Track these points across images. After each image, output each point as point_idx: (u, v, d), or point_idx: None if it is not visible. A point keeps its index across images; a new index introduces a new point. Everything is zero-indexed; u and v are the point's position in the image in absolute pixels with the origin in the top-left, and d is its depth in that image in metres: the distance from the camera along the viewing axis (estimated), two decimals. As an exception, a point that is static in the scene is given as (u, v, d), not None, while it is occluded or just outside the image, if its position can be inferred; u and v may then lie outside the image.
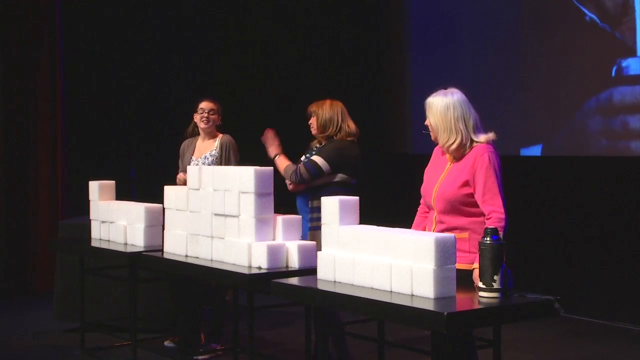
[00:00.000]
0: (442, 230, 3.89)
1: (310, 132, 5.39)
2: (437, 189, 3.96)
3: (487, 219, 3.82)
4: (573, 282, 7.62)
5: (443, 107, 3.93)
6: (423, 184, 4.09)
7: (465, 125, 3.93)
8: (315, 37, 9.76)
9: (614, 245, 7.59)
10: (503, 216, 3.82)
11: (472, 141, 3.93)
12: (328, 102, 5.35)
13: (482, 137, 3.94)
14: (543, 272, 7.75)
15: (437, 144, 4.08)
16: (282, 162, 5.29)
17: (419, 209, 4.21)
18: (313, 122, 5.34)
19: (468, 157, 3.92)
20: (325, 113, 5.28)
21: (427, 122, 4.02)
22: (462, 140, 3.91)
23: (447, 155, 4.02)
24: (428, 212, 4.10)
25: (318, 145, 5.35)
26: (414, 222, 4.19)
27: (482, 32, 8.69)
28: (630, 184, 7.48)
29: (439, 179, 3.98)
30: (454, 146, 3.93)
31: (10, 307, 7.75)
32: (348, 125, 5.29)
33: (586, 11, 7.76)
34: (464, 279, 3.64)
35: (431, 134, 4.02)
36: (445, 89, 4.01)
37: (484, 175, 3.85)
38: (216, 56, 9.39)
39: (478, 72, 8.43)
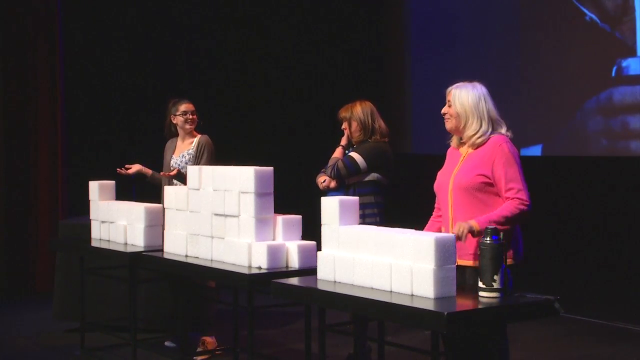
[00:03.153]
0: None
1: (343, 136, 5.45)
2: (453, 180, 3.92)
3: (508, 199, 3.79)
4: (573, 282, 7.62)
5: (475, 97, 3.92)
6: (436, 181, 4.04)
7: (491, 118, 3.93)
8: (315, 37, 9.76)
9: (614, 245, 7.59)
10: (525, 196, 3.79)
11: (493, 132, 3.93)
12: (358, 104, 5.40)
13: (507, 132, 3.95)
14: (543, 272, 7.75)
15: (448, 147, 4.05)
16: (334, 153, 5.38)
17: (433, 212, 4.18)
18: (347, 127, 5.38)
19: (484, 149, 3.88)
20: (360, 116, 5.33)
21: (445, 110, 3.98)
22: (487, 131, 3.90)
23: (462, 149, 3.99)
24: (441, 216, 4.05)
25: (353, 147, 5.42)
26: (427, 225, 4.17)
27: (482, 32, 8.69)
28: (630, 184, 7.49)
29: (454, 170, 3.95)
30: (480, 137, 3.90)
31: (10, 307, 7.74)
32: (380, 126, 5.37)
33: (586, 11, 7.76)
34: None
35: (448, 122, 3.99)
36: (471, 82, 4.01)
37: (504, 166, 3.83)
38: (217, 57, 9.39)
39: (478, 72, 8.39)
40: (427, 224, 4.17)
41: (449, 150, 4.10)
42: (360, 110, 5.35)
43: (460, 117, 3.94)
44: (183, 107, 5.95)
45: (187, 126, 5.95)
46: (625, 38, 7.49)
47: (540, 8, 8.22)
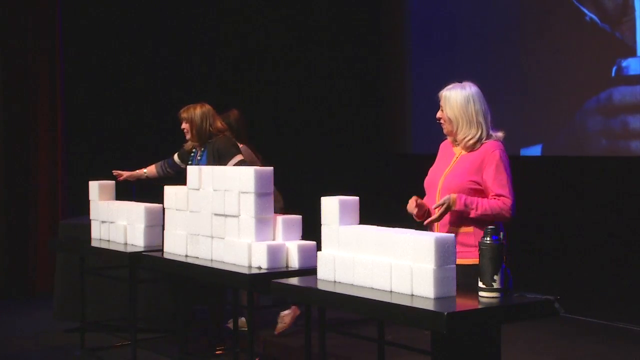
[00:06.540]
0: (447, 224, 3.87)
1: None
2: (443, 180, 3.93)
3: (494, 198, 3.80)
4: (573, 282, 7.61)
5: (463, 99, 3.90)
6: (427, 178, 4.05)
7: (485, 119, 3.92)
8: (315, 38, 9.76)
9: (614, 245, 7.59)
10: (510, 203, 3.79)
11: (487, 136, 3.91)
12: (198, 107, 5.56)
13: (499, 134, 3.94)
14: (543, 272, 7.75)
15: (443, 141, 4.05)
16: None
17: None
18: (186, 127, 5.56)
19: (477, 154, 3.88)
20: (197, 121, 5.51)
21: (439, 115, 3.97)
22: (481, 134, 3.89)
23: (456, 149, 3.99)
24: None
25: (194, 150, 5.59)
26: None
27: (482, 32, 8.69)
28: (630, 184, 7.49)
29: (446, 171, 3.96)
30: (472, 140, 3.90)
31: (10, 307, 7.74)
32: (216, 128, 5.56)
33: (586, 11, 7.76)
34: (468, 274, 3.61)
35: (444, 127, 3.98)
36: (460, 82, 3.99)
37: (494, 172, 3.84)
38: (216, 57, 9.39)
39: (478, 73, 8.43)
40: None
41: (443, 144, 4.09)
42: (198, 114, 5.51)
43: (452, 121, 3.94)
44: None
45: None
46: (625, 38, 7.49)
47: (540, 8, 8.22)
